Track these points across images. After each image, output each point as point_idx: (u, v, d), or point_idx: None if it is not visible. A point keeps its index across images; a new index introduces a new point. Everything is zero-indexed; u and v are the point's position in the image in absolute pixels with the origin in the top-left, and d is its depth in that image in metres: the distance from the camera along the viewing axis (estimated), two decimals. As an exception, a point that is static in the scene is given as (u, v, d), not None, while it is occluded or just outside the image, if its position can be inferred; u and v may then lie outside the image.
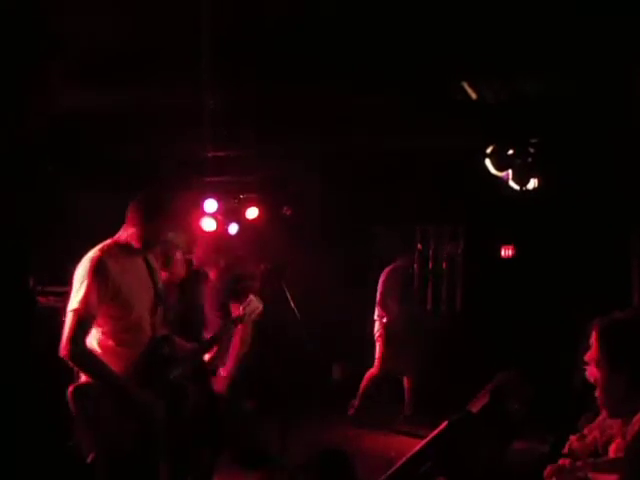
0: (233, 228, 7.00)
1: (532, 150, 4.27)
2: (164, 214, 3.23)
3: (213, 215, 6.66)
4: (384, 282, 6.59)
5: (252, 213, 7.00)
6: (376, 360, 6.50)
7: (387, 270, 6.68)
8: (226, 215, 6.87)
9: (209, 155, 5.38)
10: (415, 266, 8.14)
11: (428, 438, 3.18)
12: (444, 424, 3.33)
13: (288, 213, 7.07)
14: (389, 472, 2.91)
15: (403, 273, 6.75)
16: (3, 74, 2.79)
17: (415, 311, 6.89)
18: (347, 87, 4.05)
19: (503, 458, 3.31)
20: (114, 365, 3.02)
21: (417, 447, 3.27)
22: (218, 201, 6.60)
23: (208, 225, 6.66)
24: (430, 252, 8.14)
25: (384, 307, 6.50)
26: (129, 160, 5.47)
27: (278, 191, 6.94)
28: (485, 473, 3.30)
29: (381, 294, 6.55)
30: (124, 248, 3.17)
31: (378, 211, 7.40)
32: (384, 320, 6.51)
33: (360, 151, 5.64)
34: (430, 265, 8.15)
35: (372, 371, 6.50)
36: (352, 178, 6.45)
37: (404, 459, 3.18)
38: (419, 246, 8.16)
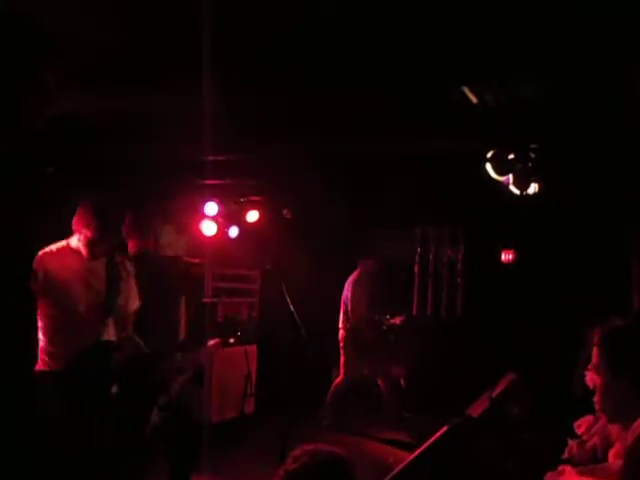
0: (233, 231, 7.02)
1: (533, 155, 4.27)
2: (99, 222, 3.27)
3: (214, 218, 6.68)
4: (352, 288, 6.50)
5: (252, 216, 7.02)
6: (341, 368, 6.45)
7: (354, 275, 6.61)
8: (227, 218, 6.89)
9: (209, 159, 5.37)
10: (415, 269, 8.15)
11: (428, 443, 3.17)
12: (444, 429, 3.32)
13: (288, 216, 7.08)
14: (388, 478, 2.90)
15: (370, 277, 6.65)
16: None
17: (381, 316, 6.80)
18: (347, 91, 4.05)
19: (503, 462, 3.30)
20: (46, 362, 3.08)
21: (416, 452, 3.27)
22: (219, 204, 6.62)
23: (209, 228, 6.69)
24: (430, 256, 8.15)
25: (352, 312, 6.41)
26: (129, 163, 5.47)
27: (278, 194, 6.94)
28: (485, 478, 3.29)
29: (348, 300, 6.47)
30: (73, 250, 3.28)
31: (378, 215, 7.40)
32: (348, 327, 6.44)
33: (361, 154, 5.63)
34: (430, 269, 8.15)
35: (337, 380, 6.45)
36: (353, 182, 6.44)
37: (403, 464, 3.17)
38: (419, 250, 8.16)
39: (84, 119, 4.41)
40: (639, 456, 1.13)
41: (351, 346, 6.41)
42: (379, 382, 6.57)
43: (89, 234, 3.27)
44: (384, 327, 6.68)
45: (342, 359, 6.46)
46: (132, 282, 3.51)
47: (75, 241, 3.32)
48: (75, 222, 3.32)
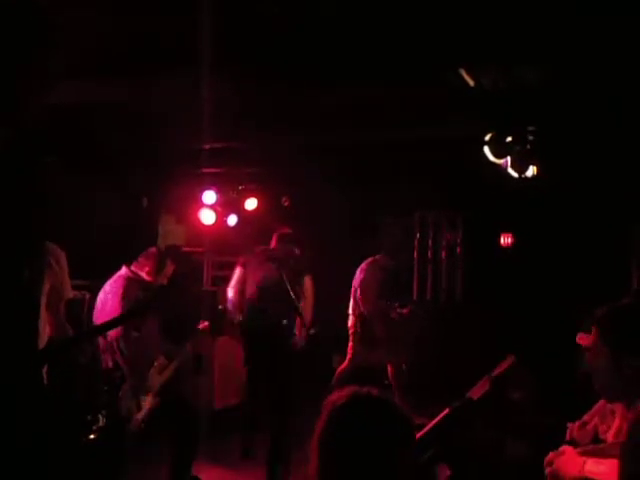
0: (232, 219, 7.02)
1: (531, 137, 4.27)
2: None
3: (212, 207, 6.67)
4: (363, 275, 6.47)
5: (251, 204, 7.01)
6: (348, 354, 6.46)
7: (366, 263, 6.59)
8: (225, 207, 6.88)
9: (207, 147, 5.36)
10: (415, 254, 8.15)
11: (429, 425, 3.19)
12: (445, 411, 3.34)
13: (287, 204, 7.07)
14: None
15: (385, 267, 6.63)
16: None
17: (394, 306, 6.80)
18: (346, 77, 4.04)
19: (504, 445, 3.33)
20: None
21: (418, 435, 3.29)
22: (217, 193, 6.61)
23: (207, 217, 6.68)
24: (429, 241, 8.15)
25: (361, 300, 6.42)
26: (128, 151, 5.46)
27: (277, 182, 6.93)
28: (486, 459, 3.32)
29: (359, 287, 6.46)
30: None
31: (378, 201, 7.40)
32: (357, 314, 6.44)
33: (359, 141, 5.62)
34: (429, 254, 8.15)
35: (343, 365, 6.45)
36: (351, 169, 6.43)
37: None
38: (418, 235, 8.16)
39: (82, 109, 4.40)
40: (638, 434, 1.14)
41: (360, 333, 6.42)
42: (388, 369, 6.60)
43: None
44: (394, 316, 6.68)
45: (350, 344, 6.46)
46: (65, 271, 3.35)
47: None
48: None
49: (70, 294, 3.43)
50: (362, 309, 6.34)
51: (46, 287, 3.23)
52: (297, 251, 5.75)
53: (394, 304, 6.67)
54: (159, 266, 4.42)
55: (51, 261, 3.30)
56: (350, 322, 6.48)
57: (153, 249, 4.62)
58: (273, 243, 5.80)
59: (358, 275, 6.48)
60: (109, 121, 4.78)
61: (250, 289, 5.62)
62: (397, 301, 6.72)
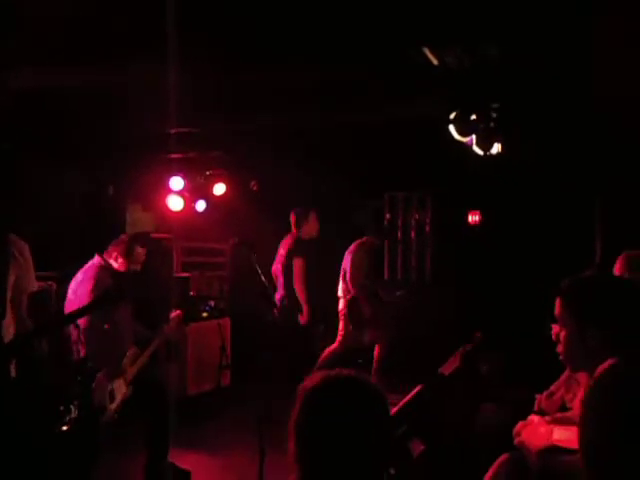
0: (201, 205, 6.96)
1: (494, 115, 4.31)
2: None
3: (180, 193, 6.61)
4: (352, 257, 6.57)
5: (219, 189, 6.96)
6: (338, 336, 6.51)
7: (354, 245, 6.65)
8: (193, 192, 6.82)
9: (173, 131, 5.29)
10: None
11: (403, 402, 3.24)
12: (418, 388, 3.39)
13: (255, 188, 7.04)
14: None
15: (371, 249, 6.72)
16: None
17: (381, 286, 6.87)
18: (310, 59, 4.02)
19: (475, 417, 3.40)
20: None
21: (392, 411, 3.34)
22: (184, 178, 6.54)
23: (175, 203, 6.61)
24: (399, 222, 8.21)
25: (351, 282, 6.47)
26: (92, 137, 5.36)
27: (245, 166, 6.89)
28: (458, 432, 3.39)
29: (348, 269, 6.52)
30: None
31: (347, 183, 7.40)
32: (348, 297, 6.50)
33: (326, 123, 5.61)
34: (399, 234, 8.21)
35: (333, 346, 6.50)
36: (319, 151, 6.42)
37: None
38: (387, 215, 8.21)
39: (46, 95, 4.31)
40: (594, 401, 1.17)
41: (350, 315, 6.47)
42: (375, 348, 6.65)
43: None
44: (388, 300, 6.75)
45: (340, 326, 6.51)
46: (29, 264, 3.33)
47: None
48: None
49: (34, 287, 3.38)
50: (352, 291, 6.40)
51: (11, 280, 3.18)
52: None
53: (390, 289, 6.78)
54: (127, 252, 4.37)
55: (15, 253, 3.24)
56: (341, 305, 6.52)
57: (123, 236, 4.57)
58: None
59: (347, 257, 6.54)
60: (74, 108, 4.69)
61: None
62: (382, 281, 6.84)
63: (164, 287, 5.94)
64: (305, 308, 6.02)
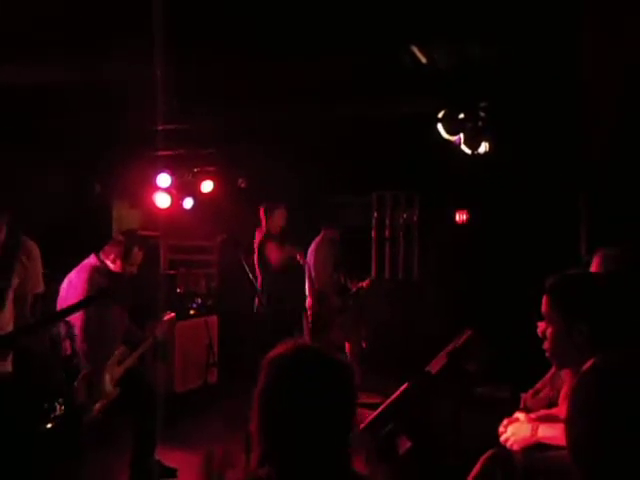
0: (188, 202, 6.93)
1: (482, 114, 4.32)
2: None
3: (167, 190, 6.57)
4: (315, 255, 6.57)
5: (207, 187, 6.94)
6: (306, 335, 6.51)
7: (315, 242, 6.67)
8: (180, 190, 6.79)
9: (160, 128, 5.27)
10: (373, 234, 8.22)
11: (390, 400, 3.25)
12: (404, 386, 3.40)
13: (243, 185, 7.02)
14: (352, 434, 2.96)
15: (332, 243, 6.73)
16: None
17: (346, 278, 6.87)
18: (297, 56, 4.01)
19: (461, 416, 3.41)
20: None
21: (379, 409, 3.34)
22: (171, 175, 6.50)
23: (162, 200, 6.58)
24: (387, 220, 8.23)
25: (315, 279, 6.49)
26: (77, 134, 5.32)
27: (233, 163, 6.87)
28: (444, 430, 3.40)
29: (312, 267, 6.53)
30: None
31: (336, 181, 7.40)
32: (314, 293, 6.50)
33: (313, 121, 5.61)
34: (387, 233, 8.23)
35: None
36: (308, 149, 6.42)
37: (367, 421, 3.25)
38: (375, 214, 8.22)
39: (33, 90, 4.27)
40: (579, 399, 1.18)
41: (318, 312, 6.47)
42: (346, 346, 6.66)
43: None
44: (351, 291, 6.75)
45: (309, 326, 6.50)
46: (36, 264, 3.32)
47: None
48: None
49: (41, 287, 3.34)
50: (317, 285, 6.41)
51: (14, 283, 3.16)
52: None
53: (351, 279, 6.76)
54: (126, 254, 4.30)
55: (22, 257, 3.23)
56: (307, 303, 6.52)
57: (120, 237, 4.50)
58: None
59: (309, 255, 6.55)
60: (59, 104, 4.65)
61: None
62: (354, 275, 6.83)
63: (153, 286, 5.91)
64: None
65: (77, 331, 3.99)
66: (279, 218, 6.15)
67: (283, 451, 1.51)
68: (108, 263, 4.27)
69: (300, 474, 1.50)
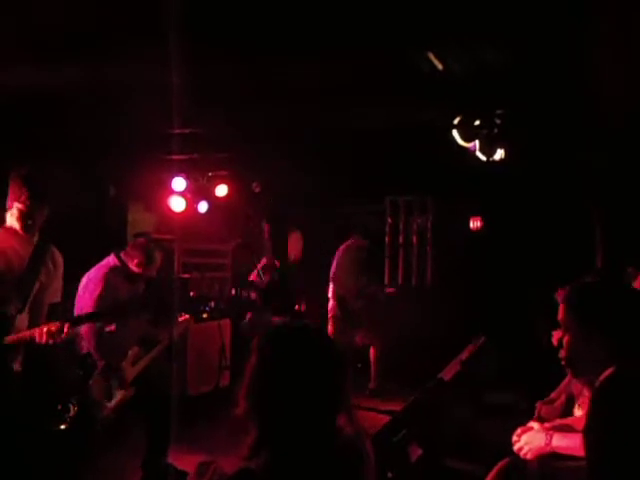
0: (203, 206, 6.97)
1: (498, 121, 4.31)
2: (30, 192, 3.11)
3: (182, 194, 6.62)
4: (338, 259, 6.59)
5: (221, 190, 6.97)
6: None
7: (342, 247, 6.69)
8: (195, 193, 6.83)
9: (176, 132, 5.30)
10: (386, 239, 8.21)
11: (403, 406, 3.24)
12: (418, 392, 3.39)
13: (257, 190, 7.05)
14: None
15: (359, 249, 6.74)
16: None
17: (372, 287, 6.87)
18: (313, 62, 4.02)
19: (474, 423, 3.39)
20: None
21: (392, 416, 3.33)
22: (186, 179, 6.55)
23: (177, 204, 6.62)
24: (400, 226, 8.21)
25: (338, 283, 6.49)
26: (93, 137, 5.37)
27: (247, 168, 6.90)
28: (457, 438, 3.38)
29: (335, 270, 6.55)
30: (6, 229, 3.17)
31: (349, 186, 7.40)
32: (336, 297, 6.51)
33: (329, 126, 5.61)
34: (400, 238, 8.21)
35: None
36: (322, 154, 6.43)
37: (380, 428, 3.23)
38: (389, 220, 8.21)
39: (48, 93, 4.31)
40: (598, 409, 1.17)
41: (340, 316, 6.48)
42: (371, 350, 6.65)
43: (21, 206, 3.11)
44: (380, 296, 6.76)
45: (330, 329, 6.50)
46: (58, 274, 3.37)
47: (9, 218, 3.18)
48: (8, 196, 3.15)
49: (58, 298, 3.37)
50: (340, 290, 6.42)
51: (36, 286, 3.19)
52: None
53: (379, 284, 6.79)
54: (149, 258, 4.29)
55: (48, 262, 3.26)
56: (330, 305, 6.54)
57: (141, 240, 4.47)
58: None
59: (335, 259, 6.58)
60: (75, 107, 4.70)
61: None
62: (377, 280, 6.85)
63: (168, 289, 5.94)
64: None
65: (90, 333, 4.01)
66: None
67: (278, 432, 1.51)
68: (131, 266, 4.27)
69: (297, 453, 1.50)
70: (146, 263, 4.28)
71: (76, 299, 4.21)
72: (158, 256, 4.40)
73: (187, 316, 4.70)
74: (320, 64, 4.05)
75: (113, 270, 4.21)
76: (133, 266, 4.27)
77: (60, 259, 3.36)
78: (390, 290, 6.84)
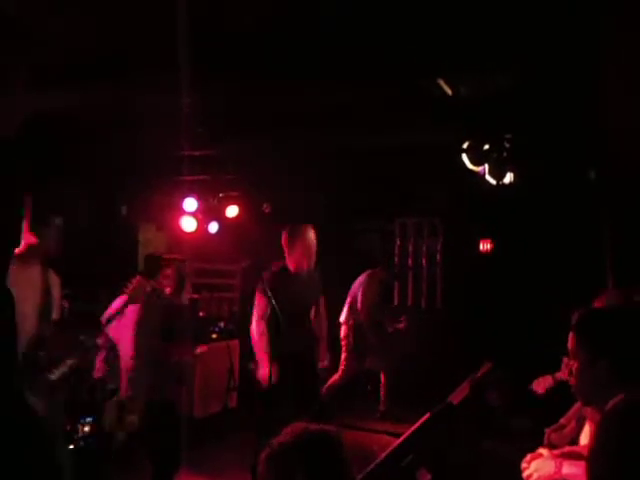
0: (213, 227, 7.01)
1: (507, 145, 4.33)
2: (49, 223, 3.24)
3: (193, 214, 6.66)
4: (364, 287, 6.57)
5: (232, 211, 7.01)
6: (341, 365, 6.45)
7: (365, 275, 6.68)
8: (206, 214, 6.87)
9: (187, 154, 5.36)
10: (395, 261, 8.20)
11: (411, 430, 3.22)
12: (426, 416, 3.37)
13: (267, 211, 7.08)
14: (372, 465, 2.94)
15: (381, 280, 6.74)
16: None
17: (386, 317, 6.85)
18: (326, 86, 4.07)
19: (483, 448, 3.36)
20: None
21: (400, 439, 3.31)
22: (198, 200, 6.60)
23: (188, 224, 6.66)
24: (410, 248, 8.20)
25: (364, 312, 6.47)
26: (106, 158, 5.44)
27: (258, 189, 6.94)
28: (465, 462, 3.35)
29: (360, 298, 6.52)
30: (19, 257, 3.22)
31: (359, 207, 7.43)
32: (351, 323, 6.49)
33: (340, 148, 5.66)
34: (410, 261, 8.20)
35: (335, 377, 6.41)
36: (332, 175, 6.47)
37: (387, 452, 3.21)
38: (398, 241, 8.21)
39: (61, 116, 4.39)
40: (604, 436, 1.17)
41: (353, 343, 6.46)
42: (382, 375, 6.63)
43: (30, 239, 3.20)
44: (390, 331, 6.76)
45: (343, 355, 6.48)
46: (57, 292, 3.45)
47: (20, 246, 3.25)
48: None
49: (57, 315, 3.42)
50: (361, 319, 6.40)
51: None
52: None
53: (391, 319, 6.78)
54: (180, 285, 4.36)
55: (47, 283, 3.32)
56: (343, 332, 6.51)
57: (166, 261, 4.48)
58: None
59: (358, 286, 6.56)
60: (88, 129, 4.77)
61: None
62: (389, 311, 6.86)
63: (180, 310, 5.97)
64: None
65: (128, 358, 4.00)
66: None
67: None
68: (166, 290, 4.28)
69: None
70: (178, 291, 4.35)
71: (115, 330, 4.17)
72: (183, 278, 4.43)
73: (205, 348, 4.67)
74: (330, 88, 4.10)
75: (149, 295, 4.12)
76: (170, 294, 4.31)
77: (57, 285, 3.44)
78: (401, 326, 6.82)
